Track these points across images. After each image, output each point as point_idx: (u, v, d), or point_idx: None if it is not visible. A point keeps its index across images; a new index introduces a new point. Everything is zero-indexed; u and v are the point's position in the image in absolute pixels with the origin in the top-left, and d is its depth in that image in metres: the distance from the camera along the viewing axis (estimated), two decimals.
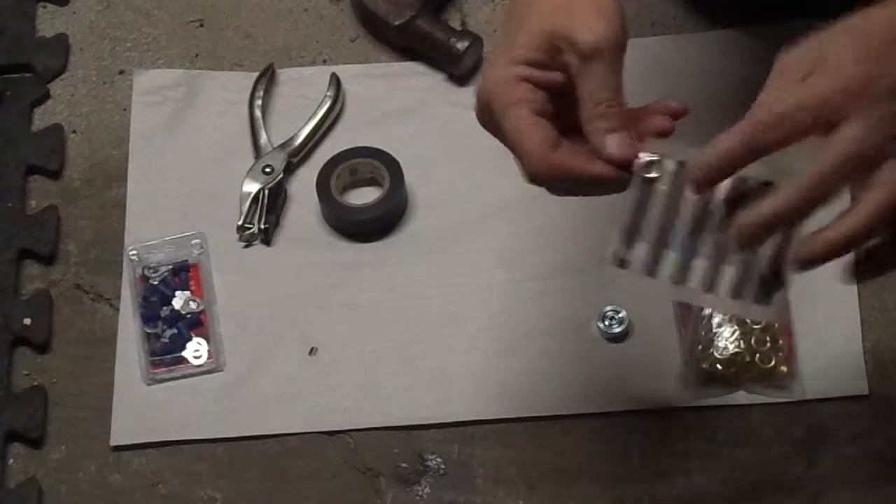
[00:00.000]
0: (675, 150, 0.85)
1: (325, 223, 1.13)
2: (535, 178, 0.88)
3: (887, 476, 1.01)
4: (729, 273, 0.83)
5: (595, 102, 0.86)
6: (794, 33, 1.15)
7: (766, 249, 0.83)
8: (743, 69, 1.15)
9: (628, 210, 0.84)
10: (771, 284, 0.83)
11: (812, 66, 0.80)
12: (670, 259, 0.84)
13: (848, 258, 0.84)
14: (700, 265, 0.84)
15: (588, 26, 0.86)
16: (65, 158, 1.17)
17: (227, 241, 1.12)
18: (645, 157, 0.84)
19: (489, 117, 0.89)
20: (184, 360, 1.08)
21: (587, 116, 0.86)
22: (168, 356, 1.08)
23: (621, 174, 0.85)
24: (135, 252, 1.12)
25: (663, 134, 0.88)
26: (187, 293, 1.10)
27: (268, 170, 1.14)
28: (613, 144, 0.85)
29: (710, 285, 0.84)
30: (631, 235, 0.84)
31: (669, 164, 0.84)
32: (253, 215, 1.12)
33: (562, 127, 0.87)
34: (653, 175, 0.84)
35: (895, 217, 0.80)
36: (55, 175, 1.17)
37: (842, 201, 0.81)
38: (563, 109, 0.88)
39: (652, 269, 0.84)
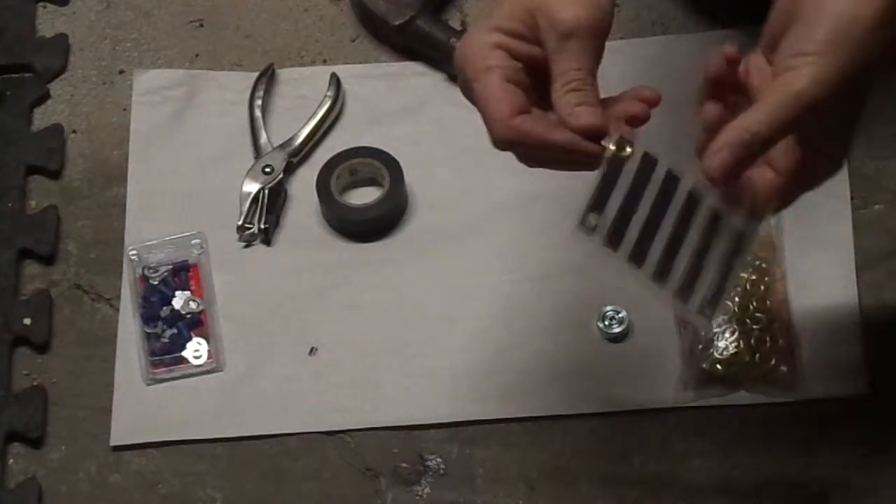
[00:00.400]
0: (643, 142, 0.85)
1: (325, 223, 1.13)
2: (498, 142, 0.88)
3: (887, 476, 1.01)
4: (678, 271, 0.83)
5: (566, 80, 0.86)
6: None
7: (713, 263, 0.83)
8: None
9: (596, 183, 0.84)
10: (714, 300, 0.84)
11: None
12: (630, 237, 0.84)
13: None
14: (656, 252, 0.84)
15: (568, 5, 0.86)
16: (65, 158, 1.17)
17: (227, 241, 1.12)
18: (616, 135, 0.84)
19: (464, 82, 0.89)
20: (184, 360, 1.08)
21: (558, 94, 0.86)
22: (168, 356, 1.08)
23: (587, 145, 0.85)
24: (135, 252, 1.12)
25: (636, 119, 0.88)
26: (187, 293, 1.10)
27: (268, 170, 1.14)
28: (580, 114, 0.85)
29: (660, 275, 0.84)
30: (598, 206, 0.84)
31: (639, 150, 0.84)
32: (253, 215, 1.12)
33: (535, 101, 0.88)
34: (624, 153, 0.84)
35: (796, 122, 0.80)
36: (55, 175, 1.17)
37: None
38: (538, 85, 0.88)
39: (613, 242, 0.84)
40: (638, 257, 0.84)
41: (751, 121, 0.81)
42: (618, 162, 0.84)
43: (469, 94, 0.89)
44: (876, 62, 0.80)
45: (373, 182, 1.14)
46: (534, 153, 0.89)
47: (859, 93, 0.82)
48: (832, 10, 0.79)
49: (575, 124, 0.85)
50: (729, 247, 0.84)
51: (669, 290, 0.84)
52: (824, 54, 0.79)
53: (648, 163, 0.84)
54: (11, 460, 1.06)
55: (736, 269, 0.84)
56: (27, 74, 1.21)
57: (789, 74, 0.80)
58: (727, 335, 1.04)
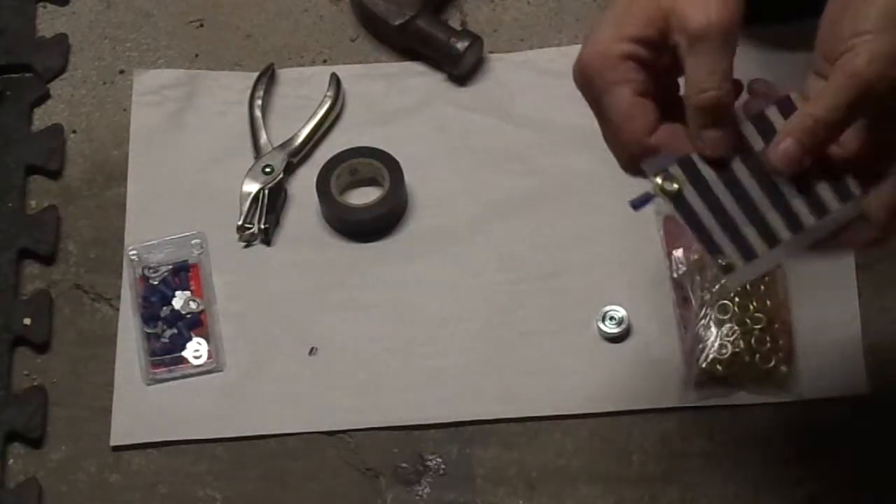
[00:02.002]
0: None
1: (325, 223, 1.13)
2: (630, 161, 0.84)
3: (887, 476, 1.01)
4: (799, 204, 0.81)
5: (699, 89, 0.81)
6: (795, 35, 1.17)
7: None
8: (741, 70, 1.15)
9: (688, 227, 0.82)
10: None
11: None
12: (751, 233, 0.82)
13: None
14: (772, 216, 0.82)
15: (701, 5, 0.82)
16: (65, 158, 1.17)
17: (227, 241, 1.12)
18: (661, 172, 0.82)
19: (589, 90, 0.84)
20: (184, 360, 1.08)
21: (690, 102, 0.82)
22: (168, 356, 1.08)
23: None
24: (135, 252, 1.12)
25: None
26: (187, 293, 1.10)
27: (268, 170, 1.14)
28: (710, 140, 0.82)
29: (794, 224, 0.81)
30: (711, 244, 0.82)
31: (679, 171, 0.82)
32: (253, 215, 1.12)
33: (662, 103, 0.84)
34: (671, 189, 0.83)
35: (858, 103, 0.78)
36: (55, 175, 1.17)
37: None
38: (667, 88, 0.85)
39: (747, 253, 0.81)
40: (769, 237, 0.82)
41: (813, 107, 0.79)
42: (676, 196, 0.81)
43: (591, 101, 0.84)
44: None
45: (373, 182, 1.14)
46: None
47: None
48: None
49: (703, 151, 0.82)
50: None
51: (812, 221, 0.82)
52: (880, 31, 0.78)
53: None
54: (11, 460, 1.06)
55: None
56: (27, 74, 1.21)
57: (846, 56, 0.78)
58: (727, 335, 1.04)
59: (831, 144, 0.81)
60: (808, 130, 0.80)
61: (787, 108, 0.82)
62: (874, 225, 0.81)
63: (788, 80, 1.13)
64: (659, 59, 0.83)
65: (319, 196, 1.12)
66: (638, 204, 0.82)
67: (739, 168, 0.82)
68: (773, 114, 0.83)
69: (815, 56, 0.83)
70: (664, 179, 0.81)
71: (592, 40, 0.84)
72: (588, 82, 0.84)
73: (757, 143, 0.82)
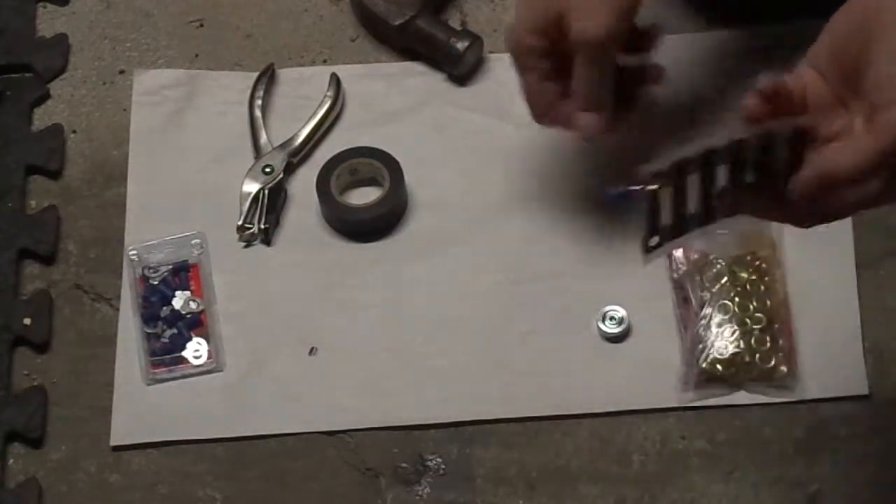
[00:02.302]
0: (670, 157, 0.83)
1: (325, 223, 1.13)
2: (537, 121, 1.05)
3: (887, 476, 1.01)
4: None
5: (583, 83, 1.00)
6: (794, 34, 1.17)
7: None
8: (742, 70, 1.15)
9: (645, 218, 0.83)
10: None
11: None
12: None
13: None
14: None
15: (587, 14, 0.98)
16: (65, 158, 1.17)
17: (227, 241, 1.12)
18: (647, 169, 0.83)
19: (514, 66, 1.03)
20: (184, 360, 1.08)
21: (575, 91, 1.01)
22: (168, 356, 1.08)
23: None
24: (135, 252, 1.12)
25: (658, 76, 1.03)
26: (187, 293, 1.10)
27: (268, 170, 1.14)
28: (583, 120, 1.02)
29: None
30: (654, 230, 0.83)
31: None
32: (253, 215, 1.12)
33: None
34: (654, 187, 0.83)
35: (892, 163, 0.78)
36: (55, 175, 1.17)
37: None
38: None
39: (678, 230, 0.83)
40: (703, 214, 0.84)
41: (844, 156, 0.79)
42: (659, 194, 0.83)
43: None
44: None
45: (373, 182, 1.14)
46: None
47: None
48: None
49: (579, 129, 1.03)
50: None
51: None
52: None
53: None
54: (11, 460, 1.06)
55: None
56: (27, 74, 1.21)
57: (892, 111, 0.77)
58: (727, 335, 1.04)
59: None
60: (831, 177, 0.79)
61: (796, 140, 0.82)
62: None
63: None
64: (565, 44, 1.00)
65: (319, 196, 1.12)
66: (613, 197, 0.85)
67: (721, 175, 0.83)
68: (778, 140, 0.82)
69: (814, 51, 0.83)
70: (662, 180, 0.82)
71: (514, 27, 1.02)
72: (513, 61, 1.03)
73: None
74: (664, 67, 1.05)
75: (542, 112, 1.04)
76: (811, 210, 0.82)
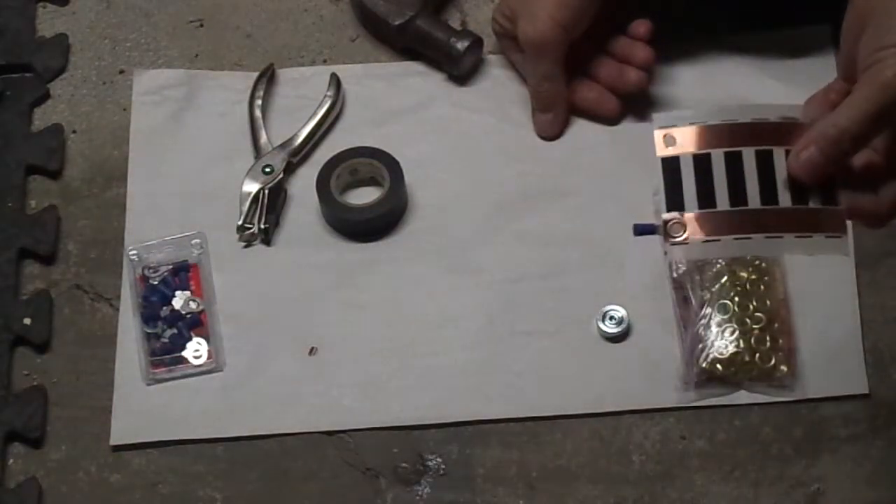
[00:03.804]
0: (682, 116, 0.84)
1: (325, 223, 1.13)
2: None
3: (887, 476, 1.01)
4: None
5: (530, 82, 1.13)
6: (791, 38, 1.17)
7: None
8: (740, 71, 1.16)
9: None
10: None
11: None
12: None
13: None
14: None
15: (532, 20, 1.09)
16: (65, 158, 1.17)
17: (227, 241, 1.12)
18: (662, 136, 0.84)
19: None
20: (184, 360, 1.08)
21: (529, 89, 1.13)
22: (168, 356, 1.08)
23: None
24: (135, 252, 1.12)
25: (647, 63, 1.10)
26: (187, 293, 1.10)
27: (268, 170, 1.14)
28: (538, 122, 1.14)
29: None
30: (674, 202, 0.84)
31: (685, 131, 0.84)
32: (253, 215, 1.12)
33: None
34: (671, 152, 0.84)
35: (884, 115, 0.79)
36: (55, 175, 1.17)
37: None
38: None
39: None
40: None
41: (837, 116, 0.80)
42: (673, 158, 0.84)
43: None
44: None
45: (373, 182, 1.14)
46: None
47: None
48: None
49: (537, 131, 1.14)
50: None
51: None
52: None
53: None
54: (11, 460, 1.06)
55: None
56: (27, 74, 1.21)
57: (874, 68, 0.79)
58: (727, 335, 1.04)
59: (854, 154, 0.82)
60: (831, 139, 0.80)
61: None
62: (879, 201, 0.82)
63: (791, 84, 1.14)
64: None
65: (319, 196, 1.12)
66: (641, 231, 0.88)
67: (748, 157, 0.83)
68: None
69: (838, 62, 0.84)
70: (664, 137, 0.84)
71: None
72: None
73: (780, 170, 0.83)
74: (652, 54, 1.11)
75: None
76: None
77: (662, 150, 0.84)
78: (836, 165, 0.81)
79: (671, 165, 0.84)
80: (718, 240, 0.84)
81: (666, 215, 0.84)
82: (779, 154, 0.83)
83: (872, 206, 0.82)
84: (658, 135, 0.84)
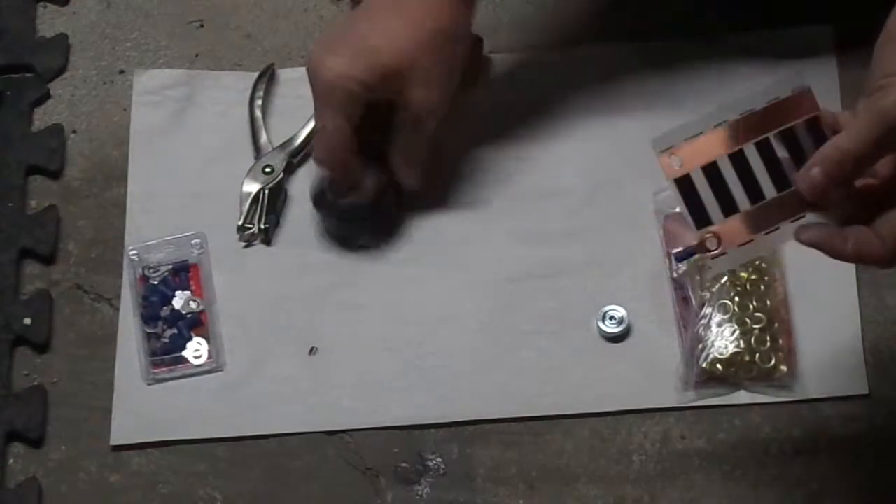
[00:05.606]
0: (686, 129, 0.85)
1: (325, 227, 1.13)
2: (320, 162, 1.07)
3: (887, 476, 1.01)
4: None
5: (406, 144, 1.08)
6: (791, 38, 1.17)
7: None
8: (740, 71, 1.16)
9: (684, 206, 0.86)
10: None
11: None
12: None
13: None
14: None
15: (429, 89, 1.04)
16: (65, 158, 1.17)
17: (227, 241, 1.12)
18: (667, 160, 0.85)
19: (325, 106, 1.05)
20: (184, 360, 1.08)
21: (396, 149, 1.08)
22: (168, 356, 1.08)
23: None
24: (135, 252, 1.12)
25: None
26: (187, 293, 1.10)
27: (268, 170, 1.14)
28: (408, 177, 1.09)
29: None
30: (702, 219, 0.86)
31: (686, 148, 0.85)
32: (253, 215, 1.12)
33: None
34: (680, 171, 0.85)
35: (886, 140, 0.81)
36: (55, 175, 1.17)
37: None
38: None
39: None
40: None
41: (841, 138, 0.82)
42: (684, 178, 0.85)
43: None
44: None
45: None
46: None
47: None
48: None
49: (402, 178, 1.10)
50: None
51: None
52: None
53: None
54: (11, 460, 1.06)
55: None
56: (27, 74, 1.21)
57: (878, 94, 0.81)
58: (727, 335, 1.04)
59: (859, 177, 0.83)
60: (835, 162, 0.83)
61: (812, 127, 0.85)
62: (885, 245, 0.83)
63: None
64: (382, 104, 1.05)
65: (318, 208, 1.11)
66: (681, 258, 0.97)
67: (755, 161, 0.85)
68: (799, 129, 0.85)
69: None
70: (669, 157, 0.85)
71: (335, 76, 1.03)
72: (327, 104, 1.06)
73: (781, 151, 0.85)
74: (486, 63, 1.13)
75: (331, 155, 1.06)
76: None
77: (672, 173, 0.84)
78: (840, 186, 0.83)
79: (685, 185, 0.85)
80: (752, 240, 0.86)
81: (698, 233, 0.86)
82: (775, 138, 0.85)
83: (879, 251, 0.84)
84: (663, 159, 0.84)
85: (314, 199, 1.11)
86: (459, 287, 1.10)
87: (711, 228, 0.86)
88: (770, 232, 0.86)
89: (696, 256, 0.89)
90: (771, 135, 0.84)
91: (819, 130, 0.84)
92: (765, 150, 0.85)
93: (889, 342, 1.05)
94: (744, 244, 0.86)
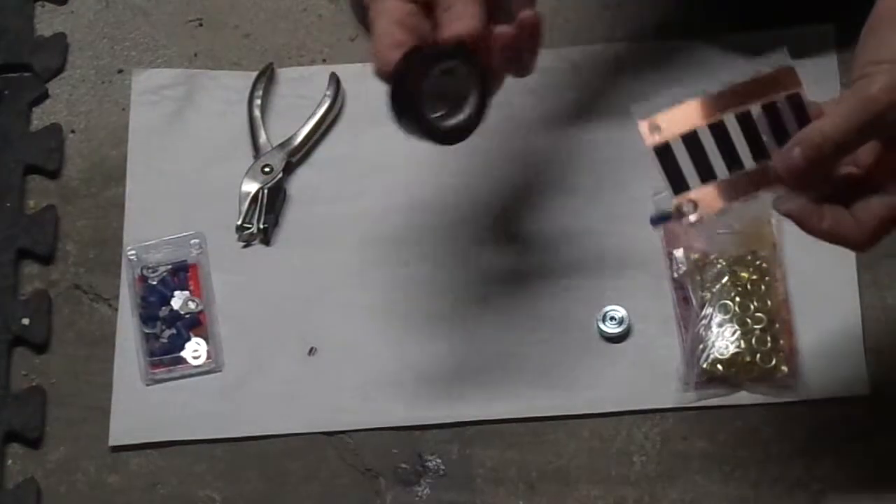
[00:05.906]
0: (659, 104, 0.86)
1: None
2: (380, 75, 0.95)
3: (888, 476, 1.01)
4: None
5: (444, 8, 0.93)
6: (791, 38, 1.17)
7: None
8: (739, 71, 1.15)
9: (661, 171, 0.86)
10: None
11: None
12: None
13: None
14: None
15: None
16: (63, 158, 1.17)
17: (227, 241, 1.12)
18: (644, 124, 0.85)
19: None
20: (183, 361, 1.08)
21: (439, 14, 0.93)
22: (167, 356, 1.08)
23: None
24: (133, 252, 1.12)
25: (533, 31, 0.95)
26: (186, 293, 1.10)
27: (267, 169, 1.14)
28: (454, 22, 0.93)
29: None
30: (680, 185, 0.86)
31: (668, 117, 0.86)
32: (252, 215, 1.12)
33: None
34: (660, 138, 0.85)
35: (868, 127, 0.81)
36: (54, 175, 1.17)
37: None
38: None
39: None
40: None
41: (823, 122, 0.82)
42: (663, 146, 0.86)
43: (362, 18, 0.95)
44: None
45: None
46: None
47: None
48: None
49: (454, 31, 0.93)
50: None
51: None
52: None
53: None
54: (10, 460, 1.06)
55: None
56: (26, 74, 1.21)
57: (862, 81, 0.81)
58: (727, 335, 1.04)
59: (838, 162, 0.84)
60: (816, 146, 0.83)
61: (795, 105, 0.85)
62: (860, 229, 0.83)
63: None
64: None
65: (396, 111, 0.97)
66: (656, 221, 0.92)
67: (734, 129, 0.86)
68: (781, 104, 0.85)
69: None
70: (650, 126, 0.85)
71: None
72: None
73: (762, 124, 0.86)
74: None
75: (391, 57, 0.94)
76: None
77: (651, 140, 0.85)
78: (820, 171, 0.83)
79: (664, 152, 0.86)
80: (730, 206, 0.86)
81: (675, 199, 0.86)
82: (756, 110, 0.85)
83: (853, 234, 0.84)
84: (643, 125, 0.85)
85: (407, 119, 0.98)
86: (459, 287, 1.09)
87: (689, 195, 0.86)
88: (747, 200, 0.86)
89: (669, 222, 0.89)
90: (752, 106, 0.85)
91: (802, 110, 0.85)
92: (745, 121, 0.85)
93: (890, 343, 1.05)
94: (721, 211, 0.86)
